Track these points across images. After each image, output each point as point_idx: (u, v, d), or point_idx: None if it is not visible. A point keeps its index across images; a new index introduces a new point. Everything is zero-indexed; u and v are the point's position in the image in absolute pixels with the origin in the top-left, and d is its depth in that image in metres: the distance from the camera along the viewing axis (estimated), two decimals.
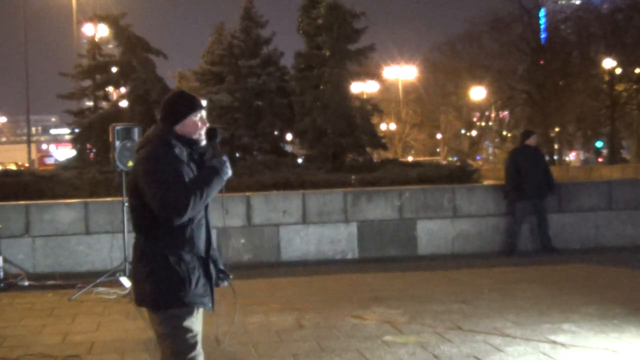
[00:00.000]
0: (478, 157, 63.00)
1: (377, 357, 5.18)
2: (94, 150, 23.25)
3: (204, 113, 3.40)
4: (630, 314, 6.26)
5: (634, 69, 44.93)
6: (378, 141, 25.43)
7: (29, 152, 41.46)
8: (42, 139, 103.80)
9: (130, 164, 7.87)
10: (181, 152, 3.27)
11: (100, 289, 7.79)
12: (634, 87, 46.46)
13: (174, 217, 3.11)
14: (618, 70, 44.83)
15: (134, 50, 23.47)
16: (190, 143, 3.32)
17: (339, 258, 9.93)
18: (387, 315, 6.44)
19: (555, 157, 51.06)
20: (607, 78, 45.61)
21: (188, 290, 3.21)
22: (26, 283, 8.29)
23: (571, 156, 67.52)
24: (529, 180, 10.02)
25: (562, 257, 9.69)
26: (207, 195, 3.20)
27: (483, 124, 59.34)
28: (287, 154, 26.23)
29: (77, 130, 24.33)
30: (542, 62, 46.38)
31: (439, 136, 64.59)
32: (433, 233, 10.24)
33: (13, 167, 40.02)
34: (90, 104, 25.73)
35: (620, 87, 46.71)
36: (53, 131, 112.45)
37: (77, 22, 31.89)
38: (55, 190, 12.79)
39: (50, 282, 8.30)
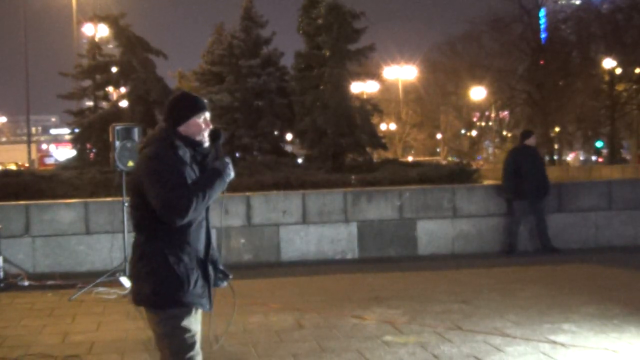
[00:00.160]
0: (479, 157, 63.00)
1: (377, 357, 5.18)
2: (94, 150, 23.24)
3: (207, 114, 3.39)
4: (630, 314, 6.26)
5: (634, 69, 44.93)
6: (378, 141, 25.42)
7: (29, 152, 41.46)
8: (42, 139, 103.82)
9: (131, 164, 7.87)
10: (184, 153, 3.26)
11: (100, 289, 7.79)
12: (634, 87, 46.46)
13: (176, 219, 3.11)
14: (618, 70, 44.84)
15: (134, 50, 23.46)
16: (194, 144, 3.32)
17: (339, 258, 9.93)
18: (387, 315, 6.44)
19: (555, 157, 51.07)
20: (607, 78, 45.62)
21: (187, 290, 3.21)
22: (26, 283, 8.29)
23: (570, 157, 67.51)
24: (527, 180, 10.02)
25: (562, 257, 9.68)
26: (209, 197, 3.20)
27: (483, 124, 59.32)
28: (287, 154, 26.23)
29: (77, 130, 24.32)
30: (542, 62, 46.36)
31: (439, 136, 64.59)
32: (433, 233, 10.24)
33: (13, 167, 40.04)
34: (90, 104, 25.71)
35: (620, 87, 46.71)
36: (53, 131, 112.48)
37: (77, 22, 31.90)
38: (55, 190, 12.78)
39: (50, 282, 8.30)
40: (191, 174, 3.24)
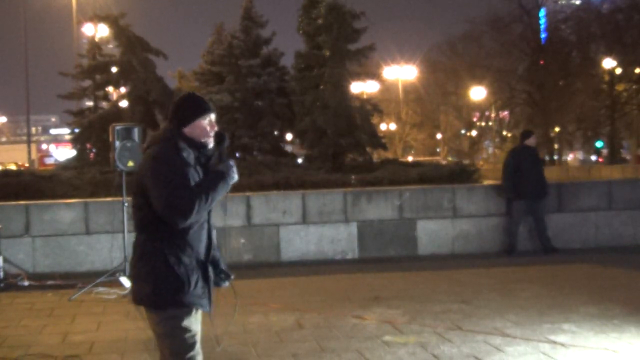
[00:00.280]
0: (478, 158, 63.00)
1: (377, 357, 5.18)
2: (94, 150, 23.21)
3: (213, 116, 3.38)
4: (630, 314, 6.26)
5: (634, 69, 44.93)
6: (378, 141, 25.40)
7: (29, 152, 41.45)
8: (42, 139, 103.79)
9: (131, 164, 7.87)
10: (188, 155, 3.26)
11: (100, 289, 7.79)
12: (634, 87, 46.46)
13: (178, 220, 3.11)
14: (618, 70, 44.83)
15: (134, 50, 23.44)
16: (198, 146, 3.31)
17: (339, 258, 9.93)
18: (387, 315, 6.44)
19: (556, 157, 51.06)
20: (607, 78, 45.62)
21: (187, 291, 3.21)
22: (26, 283, 8.29)
23: (569, 157, 67.51)
24: (527, 180, 10.02)
25: (562, 257, 9.69)
26: (212, 200, 3.19)
27: (483, 124, 59.34)
28: (287, 154, 26.20)
29: (77, 130, 24.28)
30: (542, 62, 46.37)
31: (439, 136, 64.58)
32: (433, 233, 10.24)
33: (13, 167, 40.01)
34: (90, 104, 25.69)
35: (620, 87, 46.71)
36: (53, 131, 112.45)
37: (77, 22, 31.87)
38: (55, 190, 12.76)
39: (50, 282, 8.31)
40: (195, 175, 3.23)
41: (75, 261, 9.25)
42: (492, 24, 47.47)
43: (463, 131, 61.89)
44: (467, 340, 5.56)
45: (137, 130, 8.17)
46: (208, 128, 3.34)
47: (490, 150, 66.81)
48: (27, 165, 40.98)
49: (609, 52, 43.73)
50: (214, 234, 3.45)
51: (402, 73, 54.73)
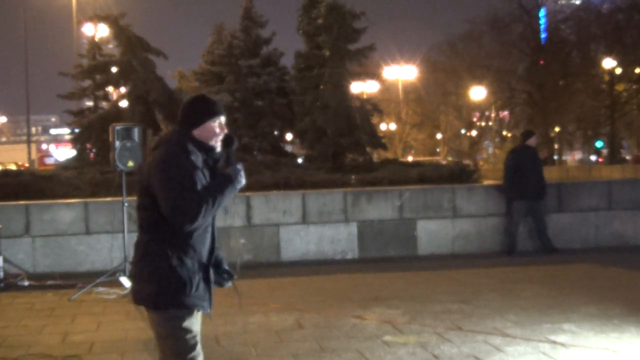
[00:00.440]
0: (478, 158, 62.99)
1: (377, 357, 5.18)
2: (94, 150, 23.20)
3: (223, 119, 3.36)
4: (630, 314, 6.26)
5: (634, 69, 44.96)
6: (378, 141, 25.40)
7: (29, 152, 41.47)
8: (42, 139, 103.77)
9: (131, 164, 7.87)
10: (197, 157, 3.23)
11: (100, 289, 7.79)
12: (634, 87, 46.49)
13: (184, 224, 3.10)
14: (618, 70, 44.85)
15: (134, 50, 23.42)
16: (207, 149, 3.29)
17: (339, 258, 9.93)
18: (387, 315, 6.44)
19: (556, 157, 51.07)
20: (607, 78, 45.63)
21: (189, 292, 3.20)
22: (26, 283, 8.29)
23: (567, 157, 67.53)
24: (527, 180, 10.02)
25: (562, 257, 9.69)
26: (219, 204, 3.17)
27: (483, 124, 59.36)
28: (287, 154, 26.21)
29: (77, 130, 24.27)
30: (542, 62, 46.39)
31: (439, 136, 64.56)
32: (433, 233, 10.24)
33: (13, 167, 40.00)
34: (90, 104, 25.68)
35: (620, 87, 46.73)
36: (53, 131, 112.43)
37: (77, 22, 31.88)
38: (55, 190, 12.75)
39: (50, 282, 8.31)
40: (202, 178, 3.21)
41: (75, 261, 9.25)
42: (492, 24, 47.51)
43: (463, 131, 61.89)
44: (467, 340, 5.56)
45: (137, 130, 8.17)
46: (218, 130, 3.32)
47: (490, 150, 66.82)
48: (27, 165, 40.99)
49: (609, 52, 43.75)
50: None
51: (402, 73, 54.71)
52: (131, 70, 23.27)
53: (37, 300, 7.47)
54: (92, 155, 23.12)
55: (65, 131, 58.52)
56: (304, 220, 9.89)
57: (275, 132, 26.01)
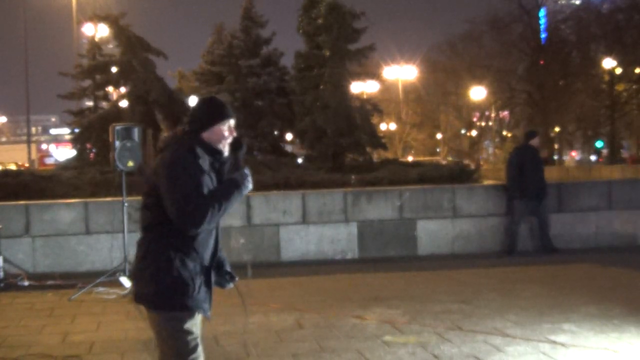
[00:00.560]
0: (480, 158, 63.01)
1: (377, 357, 5.18)
2: (94, 150, 23.23)
3: (232, 122, 3.34)
4: (630, 314, 6.26)
5: (634, 69, 44.96)
6: (378, 141, 25.43)
7: (29, 152, 41.47)
8: (42, 139, 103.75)
9: (131, 164, 7.86)
10: (204, 161, 3.22)
11: (100, 289, 7.79)
12: (634, 87, 46.50)
13: (190, 228, 3.09)
14: (618, 70, 44.84)
15: (134, 50, 23.44)
16: (214, 152, 3.27)
17: (339, 258, 9.93)
18: (387, 315, 6.44)
19: (556, 157, 51.07)
20: (607, 78, 45.63)
21: (191, 294, 3.19)
22: (26, 283, 8.29)
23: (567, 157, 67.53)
24: (529, 180, 10.02)
25: (562, 257, 9.69)
26: (225, 209, 3.16)
27: (483, 124, 59.34)
28: (287, 154, 26.24)
29: (77, 130, 24.31)
30: (542, 62, 46.38)
31: (439, 136, 64.57)
32: (433, 233, 10.24)
33: (13, 167, 39.99)
34: (90, 104, 25.71)
35: (620, 87, 46.74)
36: (53, 131, 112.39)
37: (77, 22, 31.94)
38: (55, 190, 12.76)
39: (50, 282, 8.30)
40: (208, 182, 3.20)
41: (75, 261, 9.25)
42: (492, 24, 47.48)
43: (463, 131, 61.89)
44: (467, 340, 5.56)
45: (137, 130, 8.16)
46: (227, 134, 3.30)
47: (490, 150, 66.82)
48: (27, 165, 40.98)
49: (609, 52, 43.75)
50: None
51: (402, 73, 54.73)
52: (131, 70, 23.30)
53: (37, 300, 7.47)
54: (92, 155, 23.15)
55: (65, 131, 58.55)
56: (304, 220, 9.89)
57: (275, 132, 26.04)
